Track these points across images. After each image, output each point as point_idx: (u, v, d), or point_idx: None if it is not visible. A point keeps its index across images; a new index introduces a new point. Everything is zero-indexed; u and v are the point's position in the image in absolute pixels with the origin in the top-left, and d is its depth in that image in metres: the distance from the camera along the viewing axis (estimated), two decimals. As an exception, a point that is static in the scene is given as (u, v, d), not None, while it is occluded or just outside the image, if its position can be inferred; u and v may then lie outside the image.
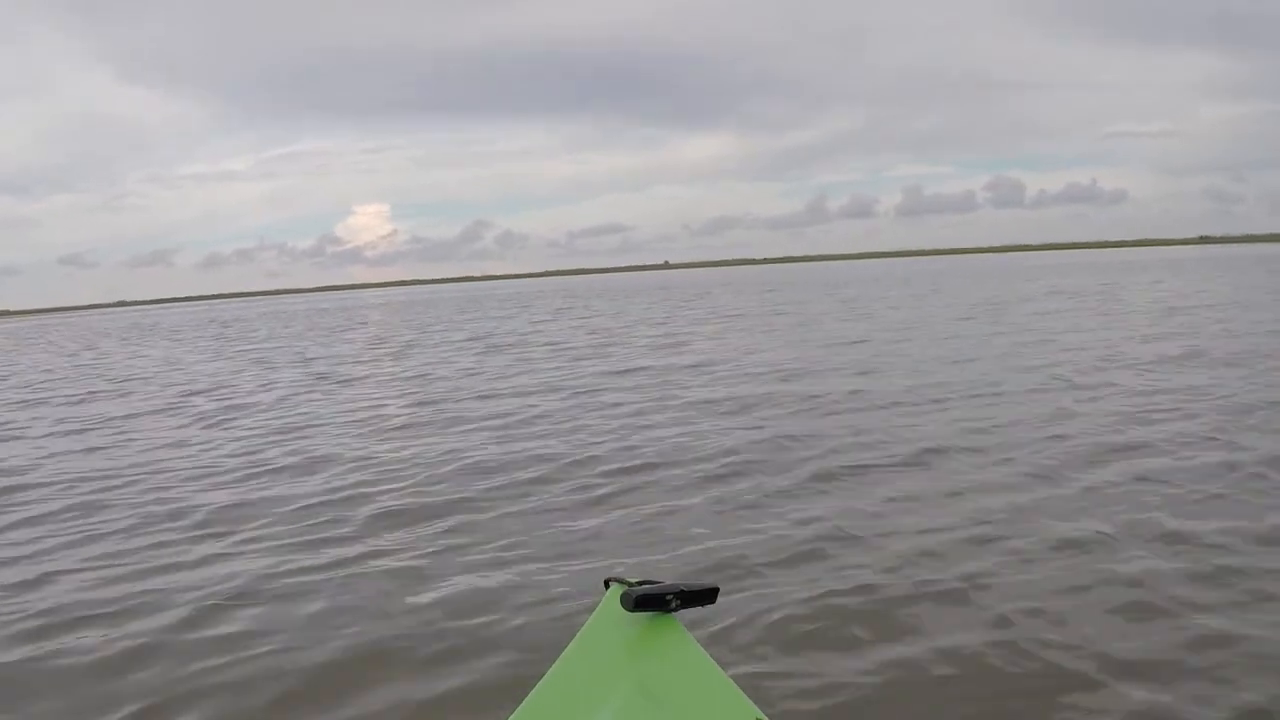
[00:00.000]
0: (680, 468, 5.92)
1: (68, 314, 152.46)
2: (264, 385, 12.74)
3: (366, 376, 13.35)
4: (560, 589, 3.82)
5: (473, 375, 12.31)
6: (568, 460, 6.33)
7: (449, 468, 6.34)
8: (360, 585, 4.07)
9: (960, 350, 11.76)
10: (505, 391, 10.28)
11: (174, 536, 5.04)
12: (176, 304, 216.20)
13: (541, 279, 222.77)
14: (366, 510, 5.33)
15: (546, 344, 16.97)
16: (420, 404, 9.75)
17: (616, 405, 8.73)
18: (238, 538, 4.93)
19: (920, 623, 3.36)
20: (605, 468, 6.04)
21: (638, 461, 6.17)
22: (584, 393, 9.76)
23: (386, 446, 7.34)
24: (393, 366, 14.59)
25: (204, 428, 9.07)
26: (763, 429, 7.10)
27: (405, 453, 6.99)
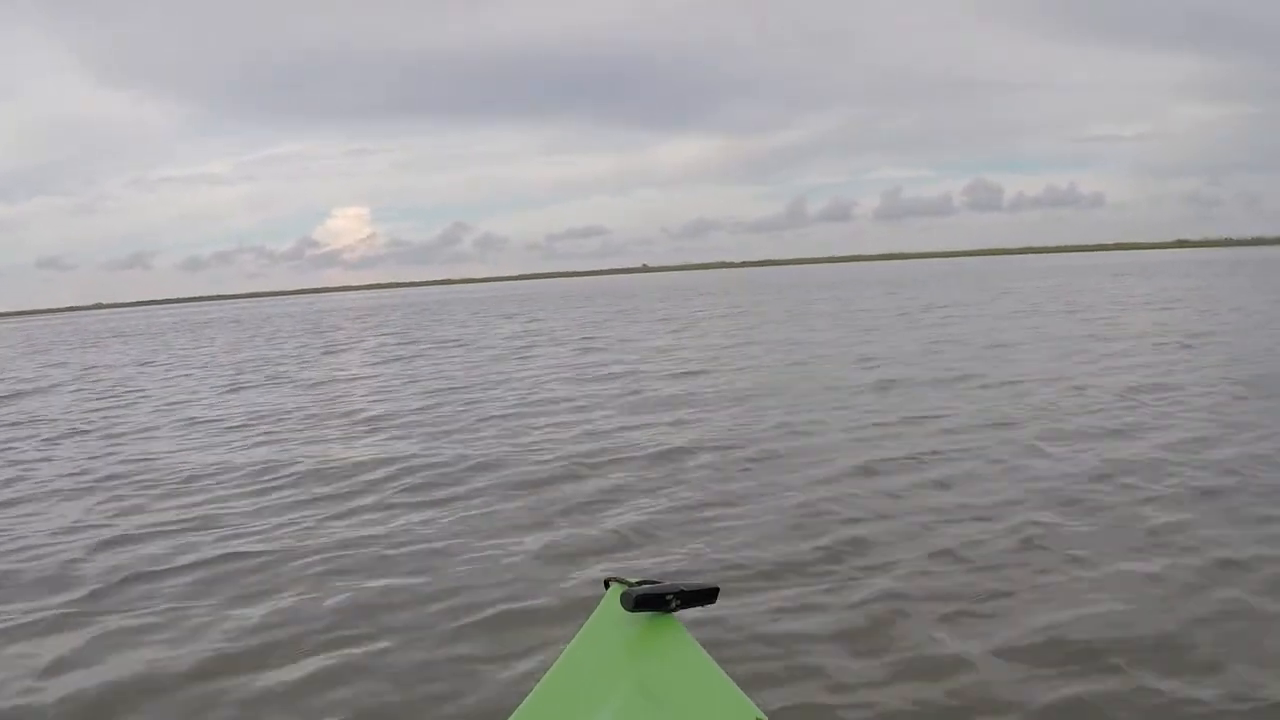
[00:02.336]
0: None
1: (46, 316, 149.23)
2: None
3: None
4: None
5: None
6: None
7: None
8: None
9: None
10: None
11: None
12: (155, 306, 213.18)
13: (518, 282, 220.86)
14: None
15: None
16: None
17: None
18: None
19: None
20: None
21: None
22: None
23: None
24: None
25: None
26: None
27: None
